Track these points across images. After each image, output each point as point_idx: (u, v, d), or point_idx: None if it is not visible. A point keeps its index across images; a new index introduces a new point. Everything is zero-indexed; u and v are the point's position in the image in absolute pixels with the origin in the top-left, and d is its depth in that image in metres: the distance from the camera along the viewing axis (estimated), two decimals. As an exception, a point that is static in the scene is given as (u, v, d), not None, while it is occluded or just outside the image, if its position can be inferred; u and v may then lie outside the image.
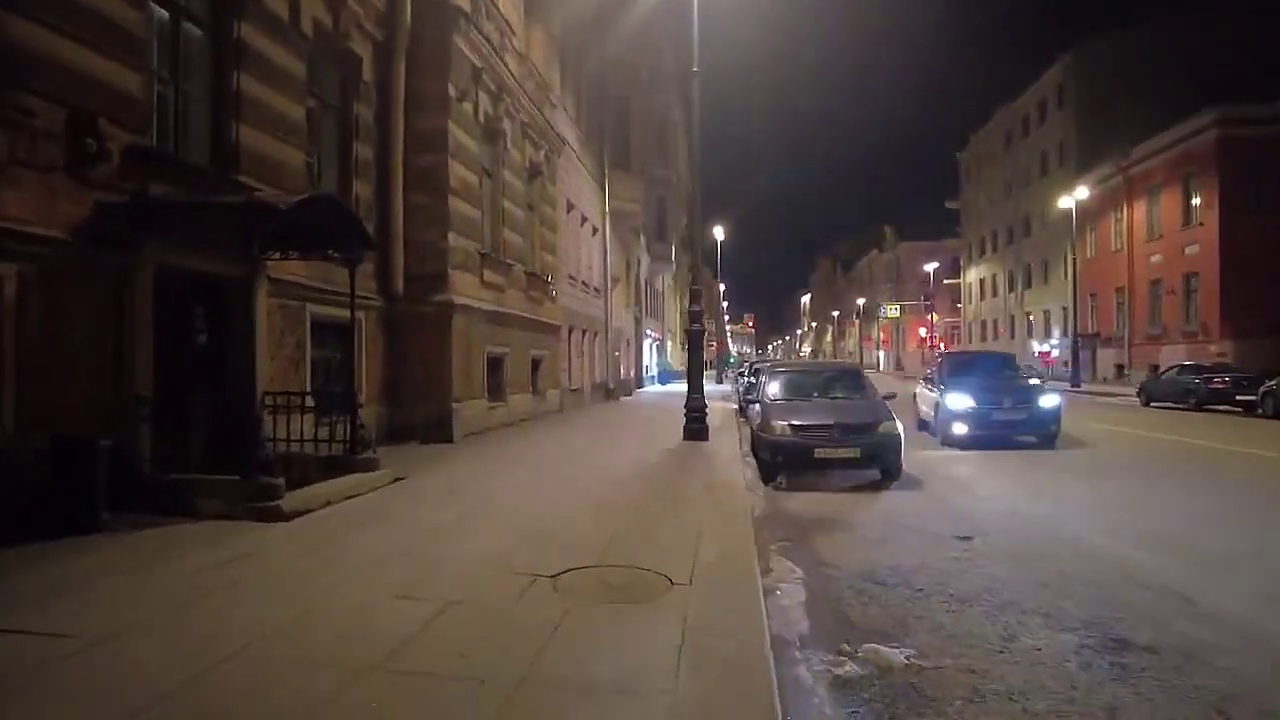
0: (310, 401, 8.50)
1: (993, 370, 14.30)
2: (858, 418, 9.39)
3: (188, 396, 7.50)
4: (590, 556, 5.02)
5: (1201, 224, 31.50)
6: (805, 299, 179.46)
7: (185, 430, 7.39)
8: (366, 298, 10.67)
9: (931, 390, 13.94)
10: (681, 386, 35.98)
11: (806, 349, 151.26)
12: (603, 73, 24.17)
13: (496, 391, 13.59)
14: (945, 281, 66.50)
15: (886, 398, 10.37)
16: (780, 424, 9.30)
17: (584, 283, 21.16)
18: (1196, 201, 32.13)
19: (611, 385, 23.71)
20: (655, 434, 13.35)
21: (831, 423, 9.21)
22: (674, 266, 42.53)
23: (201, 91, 7.96)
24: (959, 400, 12.30)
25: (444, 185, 11.39)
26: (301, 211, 6.70)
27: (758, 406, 10.53)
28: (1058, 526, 6.87)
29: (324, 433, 8.98)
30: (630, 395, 27.71)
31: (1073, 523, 7.00)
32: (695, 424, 12.38)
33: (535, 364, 16.04)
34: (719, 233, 44.58)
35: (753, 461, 11.00)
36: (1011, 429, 12.13)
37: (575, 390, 19.49)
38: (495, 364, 13.49)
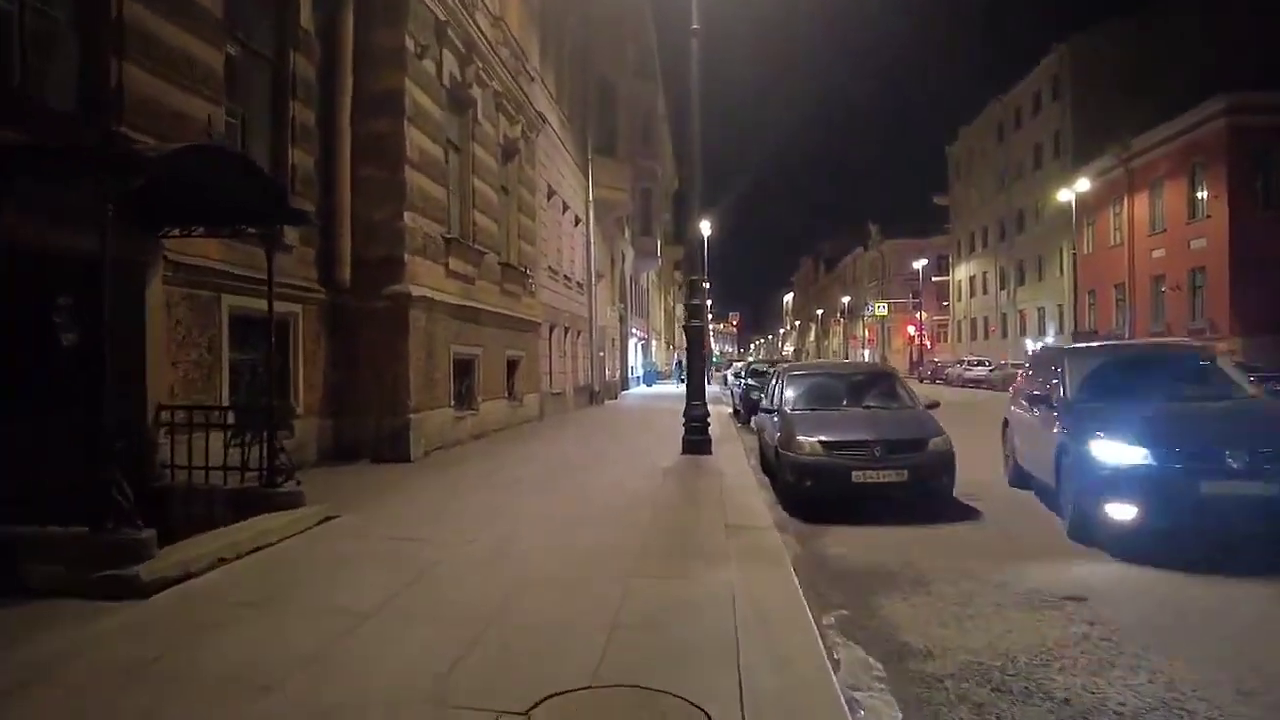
0: (228, 417, 6.72)
1: (1172, 379, 7.38)
2: (903, 432, 7.72)
3: (45, 415, 5.67)
4: (579, 668, 3.29)
5: (1209, 217, 30.26)
6: (787, 298, 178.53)
7: (38, 461, 5.56)
8: (304, 288, 8.86)
9: (1042, 416, 7.62)
10: (667, 388, 34.25)
11: (789, 348, 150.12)
12: (585, 51, 22.42)
13: (465, 398, 11.81)
14: (934, 279, 65.33)
15: (929, 406, 8.71)
16: (808, 440, 7.61)
17: (566, 276, 19.40)
18: (1203, 194, 30.89)
19: (596, 388, 21.97)
20: (649, 446, 11.65)
21: (872, 438, 7.52)
22: (659, 262, 40.84)
23: (69, 16, 6.14)
24: (1122, 450, 5.81)
25: (399, 155, 9.60)
26: (181, 164, 4.91)
27: (774, 417, 8.82)
28: (1180, 578, 5.20)
29: (253, 456, 7.24)
30: (616, 398, 25.98)
31: (1201, 566, 5.32)
32: (696, 435, 10.69)
33: (511, 366, 14.27)
34: (705, 228, 42.86)
35: (765, 479, 9.35)
36: (1250, 517, 5.53)
37: (557, 394, 17.73)
38: (464, 366, 11.71)
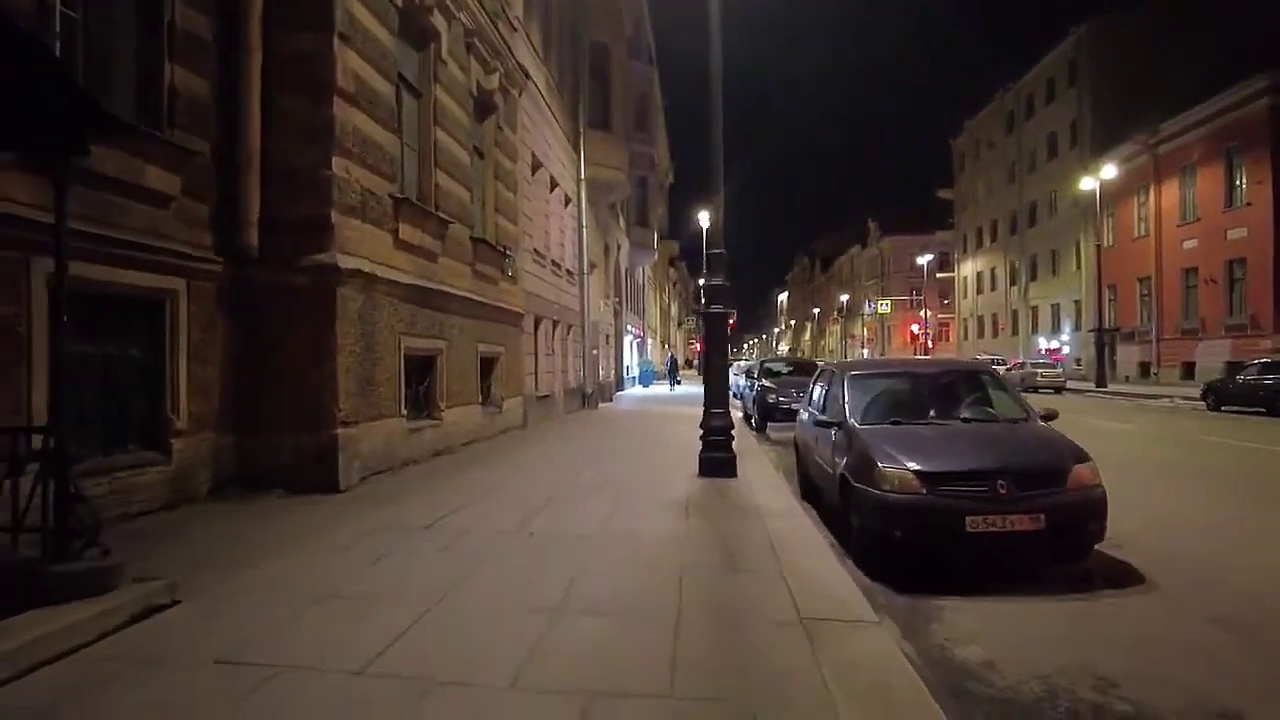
0: (48, 441, 4.32)
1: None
2: (1032, 458, 5.37)
3: None
4: None
5: (1249, 204, 28.08)
6: (782, 297, 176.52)
7: None
8: (188, 256, 6.44)
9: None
10: (664, 389, 31.86)
11: (784, 348, 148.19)
12: (577, 17, 20.02)
13: (423, 405, 9.40)
14: (938, 275, 63.13)
15: (1045, 417, 6.35)
16: (896, 470, 5.24)
17: (554, 263, 16.99)
18: (1242, 180, 28.73)
19: (589, 390, 19.56)
20: (657, 463, 9.27)
21: (992, 467, 5.16)
22: (654, 255, 38.46)
23: None
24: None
25: (327, 81, 7.18)
26: None
27: (833, 434, 6.43)
28: None
29: (100, 488, 4.89)
30: (610, 400, 23.59)
31: None
32: (718, 453, 8.32)
33: (487, 364, 11.86)
34: (704, 219, 40.47)
35: (814, 510, 6.99)
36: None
37: (544, 398, 15.32)
38: (421, 365, 9.30)
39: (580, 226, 19.28)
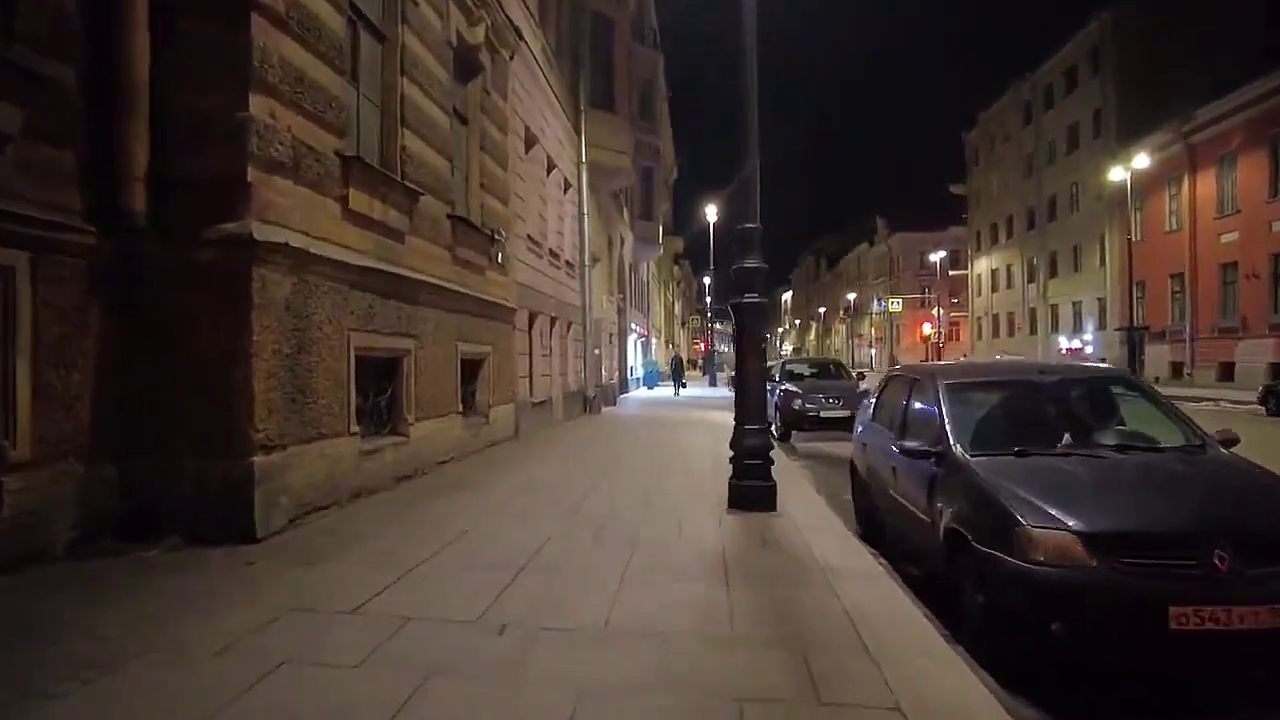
0: None
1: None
2: (1260, 513, 3.62)
3: None
4: None
5: (1297, 194, 26.29)
6: (786, 296, 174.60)
7: None
8: (38, 222, 4.67)
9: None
10: (667, 391, 29.85)
11: (788, 347, 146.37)
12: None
13: (383, 420, 7.63)
14: (950, 273, 61.26)
15: (1226, 443, 4.56)
16: (1049, 532, 3.50)
17: (553, 253, 15.22)
18: (1288, 168, 26.94)
19: (590, 393, 17.79)
20: (673, 490, 7.50)
21: (1201, 528, 3.43)
22: (659, 250, 36.70)
23: None
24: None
25: (243, -6, 5.41)
26: None
27: (927, 467, 4.65)
28: None
29: None
30: (614, 405, 21.83)
31: None
32: (754, 481, 6.57)
33: (470, 367, 10.12)
34: (711, 213, 38.75)
35: (876, 555, 5.22)
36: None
37: (540, 404, 13.55)
38: (381, 369, 7.54)
39: (581, 214, 17.52)
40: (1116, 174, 31.88)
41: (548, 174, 15.22)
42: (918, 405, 5.27)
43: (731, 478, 6.74)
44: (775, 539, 5.58)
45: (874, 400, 6.56)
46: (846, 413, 13.57)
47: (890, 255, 78.73)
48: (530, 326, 13.41)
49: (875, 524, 6.09)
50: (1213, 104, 30.01)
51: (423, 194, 8.18)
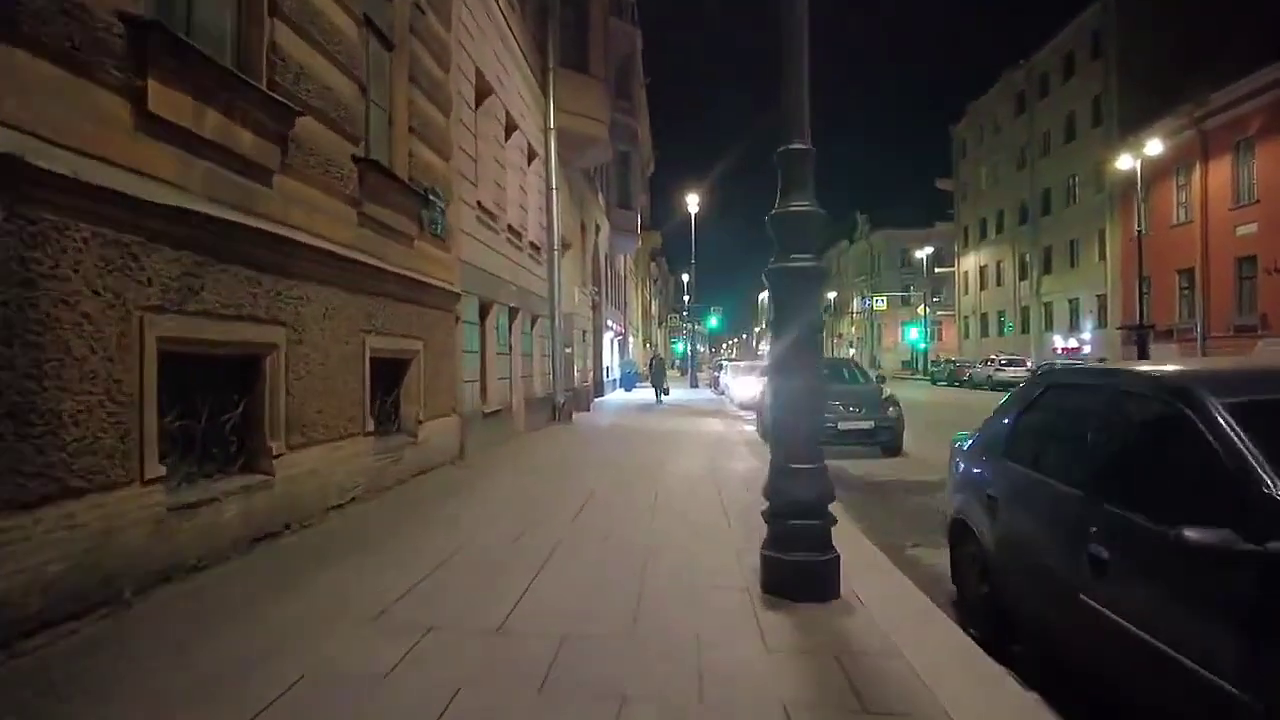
0: None
1: None
2: None
3: None
4: None
5: (1325, 181, 24.40)
6: (762, 295, 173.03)
7: None
8: None
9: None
10: (647, 393, 26.77)
11: (764, 348, 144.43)
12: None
13: (216, 453, 4.97)
14: (937, 270, 59.33)
15: None
16: None
17: (513, 230, 12.62)
18: (1315, 154, 25.06)
19: (560, 399, 15.20)
20: (672, 552, 4.92)
21: None
22: (638, 242, 34.18)
23: None
24: None
25: None
26: None
27: (1214, 573, 2.18)
28: None
29: None
30: (588, 410, 19.25)
31: None
32: (807, 552, 4.07)
33: (388, 369, 7.52)
34: (692, 203, 36.27)
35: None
36: None
37: (494, 414, 10.95)
38: (216, 374, 4.91)
39: (549, 189, 14.92)
40: (1125, 162, 29.86)
41: (507, 136, 12.62)
42: (1144, 444, 2.78)
43: (767, 545, 4.23)
44: (870, 679, 3.07)
45: (1009, 421, 4.06)
46: (869, 424, 11.18)
47: (872, 253, 76.95)
48: (483, 318, 10.82)
49: (1014, 624, 3.63)
50: (1229, 87, 28.09)
51: (303, 115, 5.56)
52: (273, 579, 4.32)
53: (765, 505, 4.28)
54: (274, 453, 5.23)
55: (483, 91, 11.14)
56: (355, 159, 6.63)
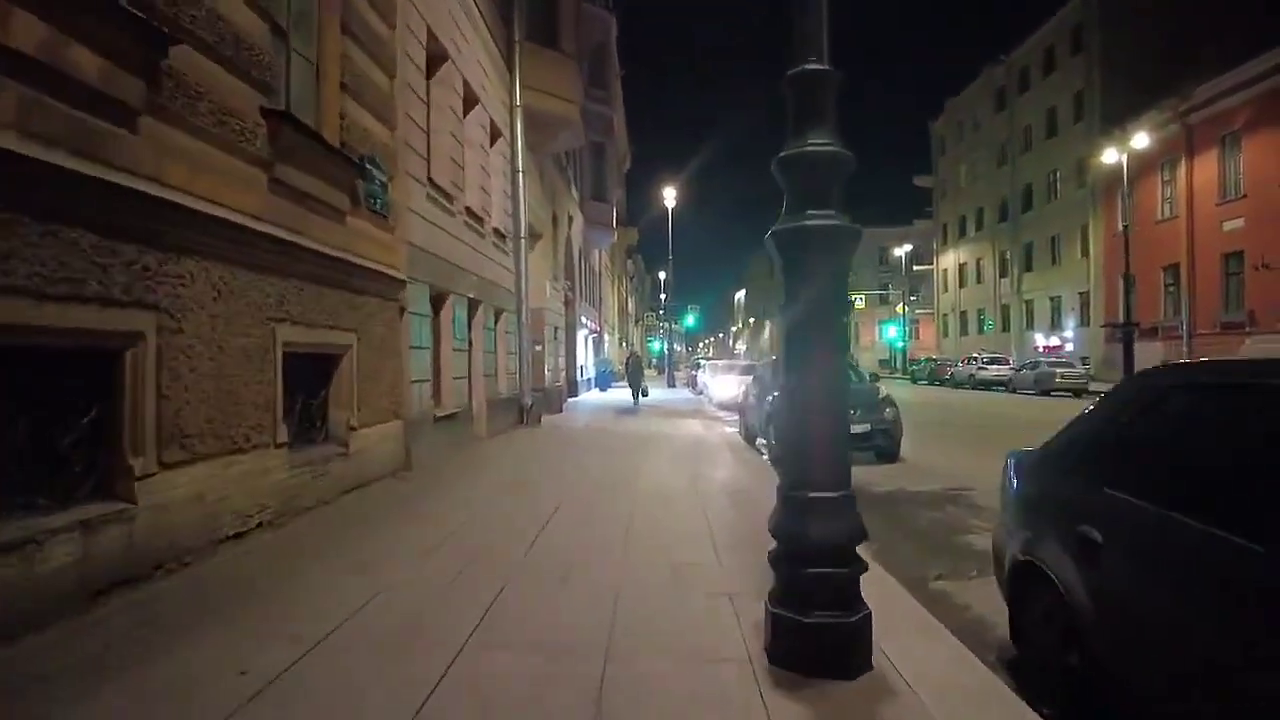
0: None
1: None
2: None
3: None
4: None
5: (1316, 174, 23.89)
6: (739, 295, 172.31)
7: None
8: None
9: None
10: (624, 393, 25.23)
11: (741, 346, 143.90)
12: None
13: (67, 477, 3.79)
14: (915, 268, 58.81)
15: None
16: None
17: (472, 214, 11.45)
18: (1304, 147, 24.56)
19: (528, 400, 14.02)
20: (652, 611, 3.80)
21: None
22: (613, 237, 33.07)
23: None
24: None
25: None
26: None
27: None
28: None
29: None
30: (560, 411, 18.10)
31: None
32: (830, 612, 2.99)
33: (309, 368, 6.35)
34: (669, 196, 35.22)
35: None
36: None
37: (449, 417, 9.78)
38: (50, 378, 3.72)
39: (515, 171, 13.75)
40: (1108, 157, 29.25)
41: (466, 110, 11.44)
42: None
43: (776, 600, 3.15)
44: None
45: (1110, 437, 2.99)
46: (864, 427, 10.17)
47: (850, 251, 76.32)
48: (436, 310, 9.65)
49: (1122, 710, 2.57)
50: (1214, 80, 27.60)
51: (179, 43, 4.39)
52: (81, 665, 3.14)
53: (772, 544, 3.20)
54: (137, 473, 4.05)
55: (436, 57, 9.97)
56: (266, 112, 5.45)
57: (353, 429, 6.83)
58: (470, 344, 11.20)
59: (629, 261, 69.07)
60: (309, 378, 6.32)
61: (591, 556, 4.80)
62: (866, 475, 9.49)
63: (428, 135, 9.69)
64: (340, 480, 6.55)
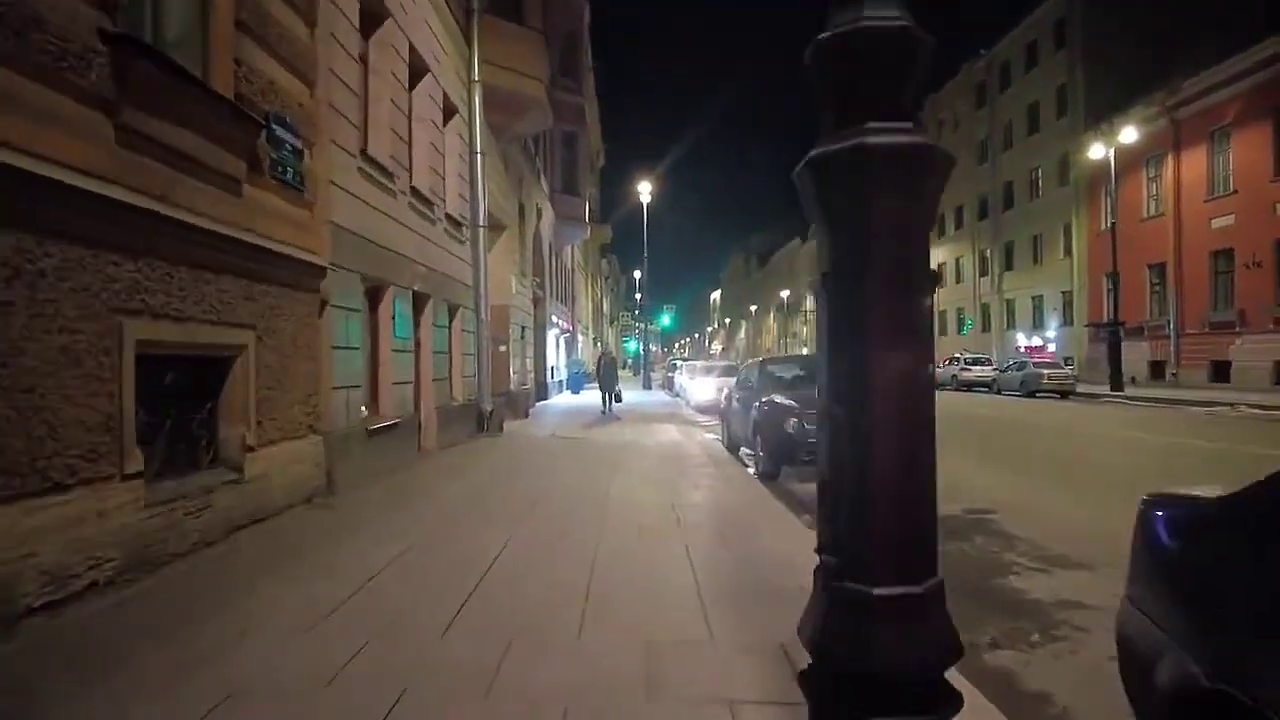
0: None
1: None
2: None
3: None
4: None
5: (1308, 170, 23.25)
6: (715, 295, 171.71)
7: None
8: None
9: None
10: (598, 396, 22.43)
11: (717, 347, 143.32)
12: None
13: None
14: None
15: None
16: None
17: (419, 195, 10.11)
18: (1296, 142, 23.91)
19: (488, 406, 12.69)
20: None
21: None
22: (586, 232, 31.76)
23: None
24: None
25: None
26: None
27: None
28: None
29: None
30: (526, 416, 16.76)
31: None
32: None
33: (183, 374, 5.01)
34: (644, 191, 33.99)
35: None
36: None
37: (387, 429, 8.44)
38: None
39: (475, 153, 12.41)
40: (1094, 153, 28.52)
41: (413, 79, 10.11)
42: None
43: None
44: None
45: None
46: (866, 438, 8.92)
47: (827, 250, 75.78)
48: (374, 304, 8.32)
49: None
50: (1202, 74, 26.93)
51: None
52: None
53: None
54: None
55: (374, 13, 8.63)
56: (107, 36, 4.12)
57: (250, 449, 5.48)
58: (418, 344, 9.86)
59: (604, 261, 67.76)
60: (185, 387, 4.98)
61: (536, 636, 3.52)
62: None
63: (365, 102, 8.37)
64: (229, 515, 5.21)
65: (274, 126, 5.94)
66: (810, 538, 5.58)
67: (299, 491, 6.25)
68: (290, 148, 6.17)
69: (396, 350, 8.81)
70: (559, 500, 6.96)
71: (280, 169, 6.00)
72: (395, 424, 8.56)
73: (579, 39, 28.96)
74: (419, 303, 9.89)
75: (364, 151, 8.01)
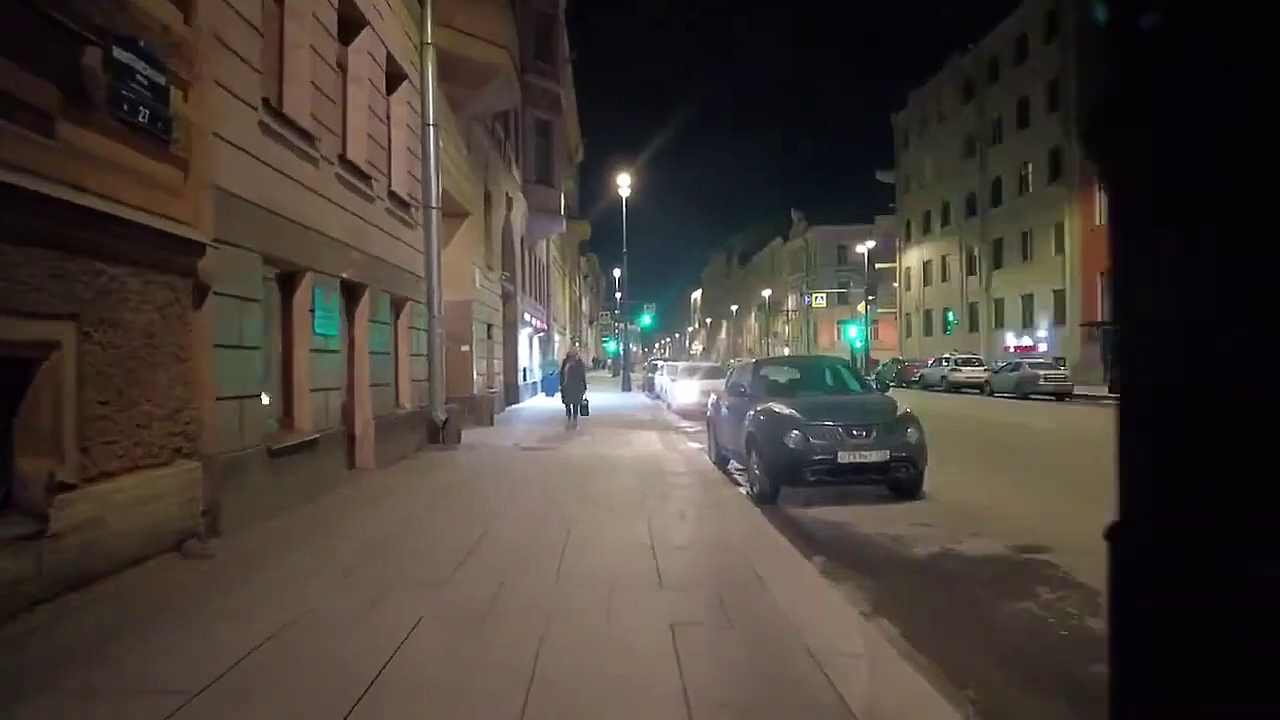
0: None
1: None
2: None
3: None
4: None
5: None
6: (695, 295, 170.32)
7: None
8: None
9: None
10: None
11: (698, 347, 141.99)
12: None
13: None
14: (878, 266, 56.97)
15: None
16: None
17: (351, 165, 8.54)
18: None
19: (442, 415, 11.13)
20: None
21: None
22: (561, 226, 30.22)
23: None
24: None
25: None
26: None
27: None
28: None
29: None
30: (490, 423, 15.20)
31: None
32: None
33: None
34: (624, 184, 32.45)
35: None
36: None
37: (302, 447, 6.89)
38: None
39: (426, 124, 10.85)
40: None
41: (346, 31, 8.56)
42: None
43: None
44: None
45: None
46: (882, 454, 7.60)
47: (808, 250, 74.72)
48: (287, 294, 6.78)
49: None
50: (1203, 63, 25.85)
51: None
52: None
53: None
54: None
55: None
56: None
57: (66, 486, 3.95)
58: (351, 343, 8.32)
59: (583, 259, 66.06)
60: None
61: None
62: (885, 522, 6.88)
63: (278, 48, 6.83)
64: (26, 583, 3.67)
65: (119, 52, 4.41)
66: (833, 596, 4.09)
67: (162, 536, 4.71)
68: (146, 81, 4.63)
69: (317, 350, 7.26)
70: (503, 546, 5.45)
71: (126, 107, 4.47)
72: (314, 440, 7.01)
73: (555, 23, 27.46)
74: (352, 294, 8.35)
75: (271, 105, 6.45)
